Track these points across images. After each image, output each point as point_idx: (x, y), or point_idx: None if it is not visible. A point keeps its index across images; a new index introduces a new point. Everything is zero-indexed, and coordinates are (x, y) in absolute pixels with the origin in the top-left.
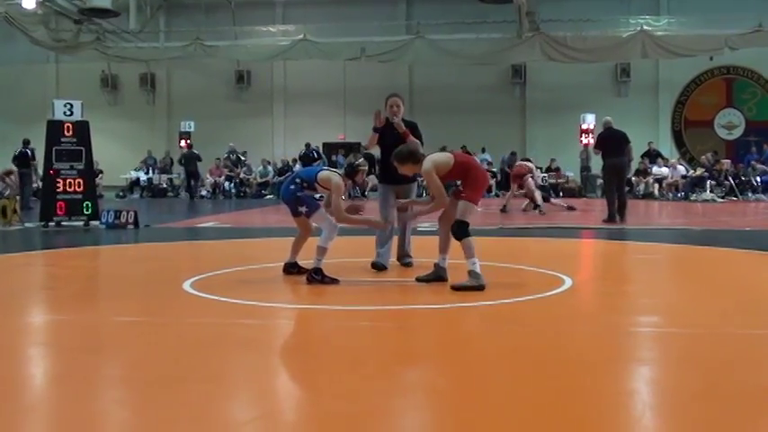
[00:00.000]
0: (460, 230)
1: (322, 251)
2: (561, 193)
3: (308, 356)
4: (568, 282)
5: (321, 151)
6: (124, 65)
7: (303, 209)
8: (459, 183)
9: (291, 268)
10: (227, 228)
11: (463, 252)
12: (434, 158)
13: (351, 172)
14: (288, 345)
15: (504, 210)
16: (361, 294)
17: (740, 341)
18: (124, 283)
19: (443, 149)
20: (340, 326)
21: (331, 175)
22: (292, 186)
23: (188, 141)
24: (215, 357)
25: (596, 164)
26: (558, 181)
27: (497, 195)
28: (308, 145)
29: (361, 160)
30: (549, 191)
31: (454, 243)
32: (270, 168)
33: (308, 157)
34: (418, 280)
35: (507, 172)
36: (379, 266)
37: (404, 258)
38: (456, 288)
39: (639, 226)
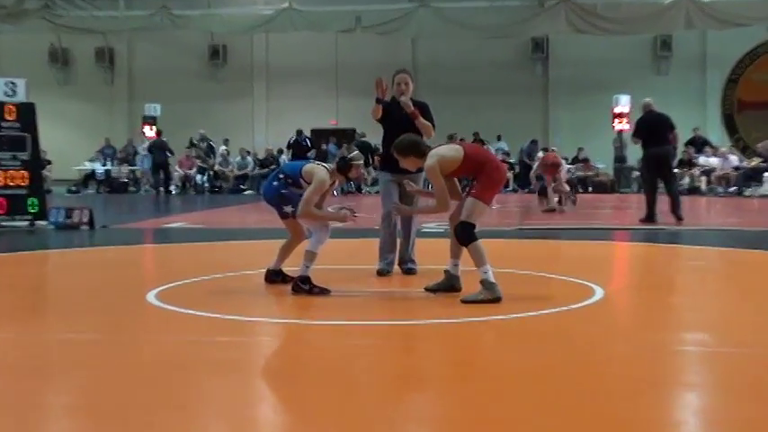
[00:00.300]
0: (465, 234)
1: (311, 256)
2: (590, 188)
3: (295, 381)
4: (599, 292)
5: (309, 139)
6: (77, 37)
7: (289, 208)
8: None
9: (275, 276)
10: (198, 229)
11: (472, 259)
12: (441, 153)
13: (343, 167)
14: (270, 367)
15: (552, 208)
16: (356, 307)
17: None
18: (76, 295)
19: (452, 138)
20: (332, 344)
21: (316, 169)
22: (275, 183)
23: (156, 128)
24: (184, 382)
25: (634, 153)
26: (587, 174)
27: (515, 190)
28: (299, 132)
29: (356, 153)
30: (577, 186)
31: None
32: (249, 159)
33: (299, 146)
34: (427, 290)
35: (527, 164)
36: (383, 272)
37: (406, 264)
38: (467, 301)
39: (683, 227)
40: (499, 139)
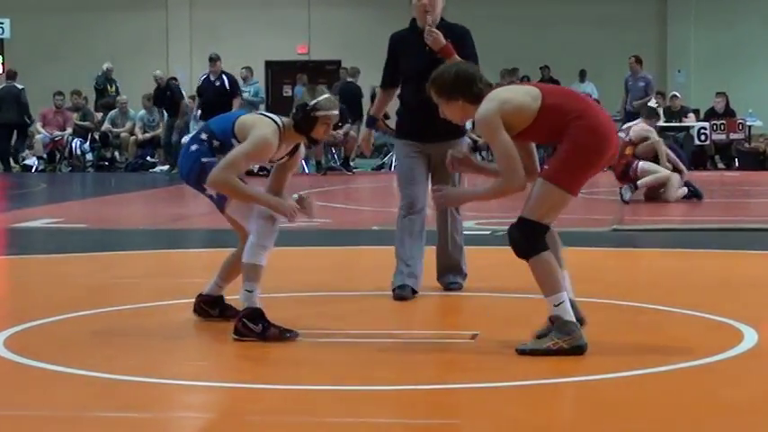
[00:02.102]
0: (525, 239)
1: (253, 272)
2: (737, 161)
3: None
4: (751, 335)
5: (246, 80)
6: None
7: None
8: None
9: (211, 307)
10: (75, 230)
11: (536, 281)
12: (505, 96)
13: (302, 121)
14: None
15: (666, 195)
16: (349, 363)
17: None
18: None
19: (511, 76)
20: (307, 426)
21: (257, 122)
22: (194, 146)
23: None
24: None
25: None
26: (733, 137)
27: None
28: (212, 59)
29: (324, 98)
30: (713, 156)
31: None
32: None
33: (214, 92)
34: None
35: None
36: (404, 295)
37: (448, 276)
38: (525, 352)
39: None
40: (583, 78)
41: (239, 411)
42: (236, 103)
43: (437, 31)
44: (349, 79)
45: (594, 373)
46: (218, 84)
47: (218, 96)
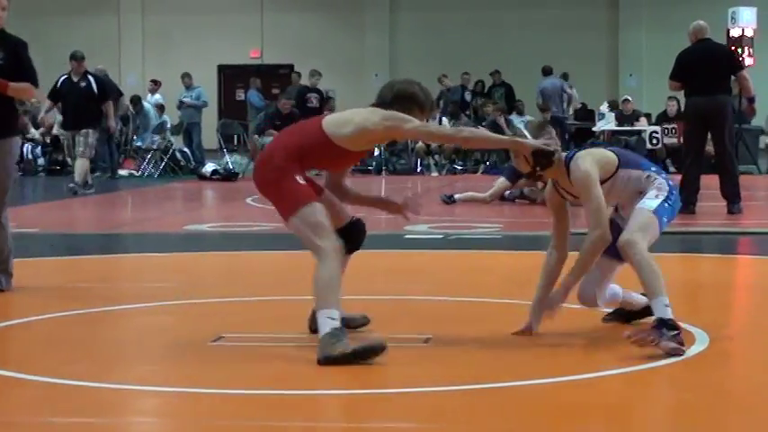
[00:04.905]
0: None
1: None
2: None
3: None
4: (703, 338)
5: (188, 87)
6: None
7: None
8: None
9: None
10: (26, 234)
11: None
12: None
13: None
14: None
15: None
16: (299, 367)
17: None
18: None
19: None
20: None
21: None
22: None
23: None
24: None
25: (763, 109)
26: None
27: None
28: (88, 73)
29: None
30: (665, 160)
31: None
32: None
33: (78, 95)
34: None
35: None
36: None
37: None
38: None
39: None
40: (566, 79)
41: (191, 416)
42: (108, 107)
43: None
44: (303, 83)
45: (549, 377)
46: (82, 85)
47: (82, 100)
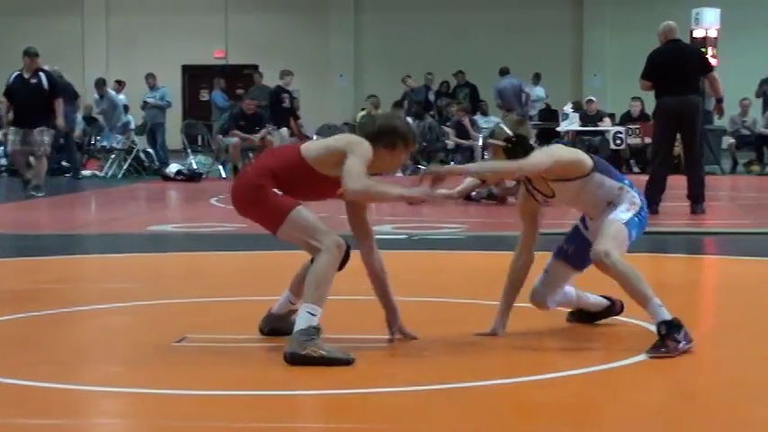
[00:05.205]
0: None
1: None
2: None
3: None
4: None
5: (152, 87)
6: None
7: None
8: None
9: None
10: None
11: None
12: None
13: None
14: None
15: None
16: (265, 368)
17: None
18: None
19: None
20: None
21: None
22: None
23: None
24: None
25: (730, 107)
26: (648, 142)
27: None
28: (40, 70)
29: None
30: (628, 160)
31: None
32: (78, 117)
33: (28, 92)
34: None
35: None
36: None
37: None
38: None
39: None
40: (538, 81)
41: (155, 417)
42: (58, 105)
43: None
44: (266, 83)
45: (512, 377)
46: (33, 82)
47: (33, 97)
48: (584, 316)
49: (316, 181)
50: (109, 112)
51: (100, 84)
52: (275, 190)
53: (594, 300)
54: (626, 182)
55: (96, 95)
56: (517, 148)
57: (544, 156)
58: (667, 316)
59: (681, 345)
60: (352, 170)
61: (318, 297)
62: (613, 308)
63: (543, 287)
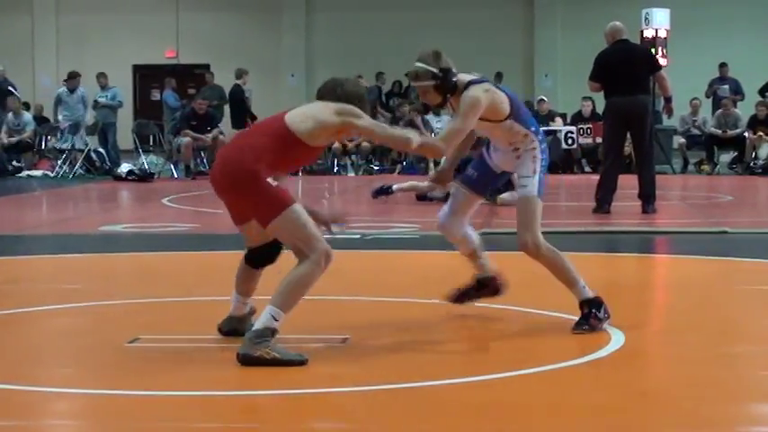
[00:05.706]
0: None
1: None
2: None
3: None
4: (618, 338)
5: (104, 87)
6: None
7: None
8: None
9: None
10: None
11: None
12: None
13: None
14: None
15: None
16: (218, 369)
17: None
18: None
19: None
20: None
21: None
22: None
23: None
24: None
25: (680, 107)
26: (599, 141)
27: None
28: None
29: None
30: (580, 160)
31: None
32: (28, 116)
33: None
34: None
35: None
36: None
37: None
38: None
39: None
40: (500, 79)
41: (108, 418)
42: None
43: None
44: (219, 82)
45: (462, 376)
46: None
47: None
48: (461, 296)
49: (303, 153)
50: (76, 108)
51: (74, 75)
52: (270, 180)
53: (488, 265)
54: (532, 128)
55: (64, 89)
56: (446, 82)
57: (471, 114)
58: (590, 294)
59: (602, 323)
60: (385, 131)
61: (288, 304)
62: (493, 283)
63: (451, 214)
